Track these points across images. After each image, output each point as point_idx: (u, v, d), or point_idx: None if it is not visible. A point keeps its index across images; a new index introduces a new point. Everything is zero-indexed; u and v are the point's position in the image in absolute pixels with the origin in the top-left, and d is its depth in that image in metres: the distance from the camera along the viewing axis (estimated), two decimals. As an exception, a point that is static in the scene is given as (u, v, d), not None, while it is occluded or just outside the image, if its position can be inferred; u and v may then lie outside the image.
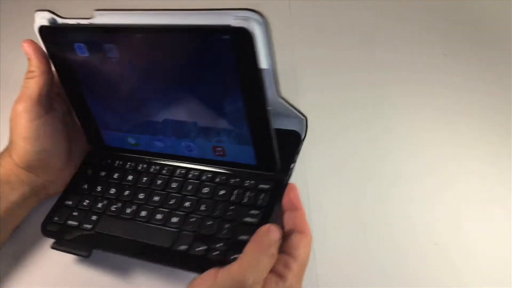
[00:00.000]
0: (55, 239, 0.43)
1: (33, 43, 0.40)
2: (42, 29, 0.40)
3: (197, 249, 0.38)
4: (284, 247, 0.36)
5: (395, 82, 0.54)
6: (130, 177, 0.45)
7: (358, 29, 0.57)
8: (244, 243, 0.36)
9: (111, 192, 0.44)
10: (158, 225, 0.41)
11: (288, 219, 0.38)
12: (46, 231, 0.44)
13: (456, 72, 0.54)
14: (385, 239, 0.45)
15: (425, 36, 0.56)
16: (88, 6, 0.39)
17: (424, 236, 0.45)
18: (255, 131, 0.39)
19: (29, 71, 0.40)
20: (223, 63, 0.36)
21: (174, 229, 0.40)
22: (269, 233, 0.35)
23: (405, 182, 0.48)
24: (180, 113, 0.41)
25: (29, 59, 0.40)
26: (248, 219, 0.39)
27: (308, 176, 0.48)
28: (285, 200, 0.39)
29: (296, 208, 0.38)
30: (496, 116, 0.52)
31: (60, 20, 0.40)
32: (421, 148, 0.50)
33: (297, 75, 0.54)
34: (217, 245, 0.38)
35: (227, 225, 0.39)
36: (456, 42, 0.56)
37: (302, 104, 0.50)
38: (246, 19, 0.34)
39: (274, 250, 0.34)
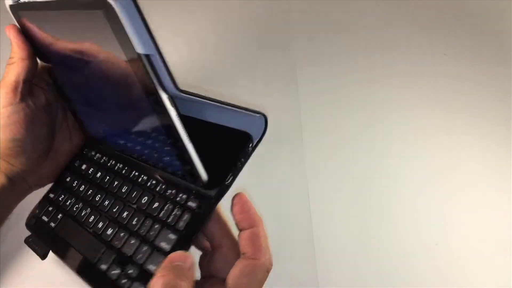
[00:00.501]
0: (31, 232, 0.43)
1: (14, 28, 0.39)
2: (11, 8, 0.38)
3: (112, 272, 0.33)
4: (229, 276, 0.30)
5: (395, 82, 0.54)
6: (98, 174, 0.41)
7: (358, 29, 0.57)
8: (150, 275, 0.30)
9: (81, 189, 0.41)
10: (97, 234, 0.36)
11: (241, 239, 0.32)
12: (26, 224, 0.44)
13: (456, 72, 0.54)
14: (385, 239, 0.46)
15: (425, 36, 0.57)
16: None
17: (424, 236, 0.46)
18: (164, 130, 0.30)
19: (10, 57, 0.39)
20: (101, 43, 0.29)
21: (104, 243, 0.35)
22: (178, 260, 0.29)
23: (405, 182, 0.49)
24: (104, 105, 0.36)
25: (11, 45, 0.39)
26: (163, 244, 0.31)
27: (308, 176, 0.47)
28: (236, 211, 0.32)
29: (251, 225, 0.32)
30: (497, 116, 0.52)
31: None
32: (421, 149, 0.50)
33: (297, 75, 0.53)
34: (129, 271, 0.32)
35: (144, 248, 0.32)
36: (456, 42, 0.57)
37: (302, 104, 0.50)
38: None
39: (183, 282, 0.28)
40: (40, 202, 0.44)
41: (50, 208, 0.42)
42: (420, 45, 0.56)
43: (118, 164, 0.40)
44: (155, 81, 0.27)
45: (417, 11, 0.58)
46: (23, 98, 0.39)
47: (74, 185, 0.42)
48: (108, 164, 0.41)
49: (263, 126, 0.32)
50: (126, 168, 0.39)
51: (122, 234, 0.34)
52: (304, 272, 0.39)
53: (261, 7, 0.56)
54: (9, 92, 0.38)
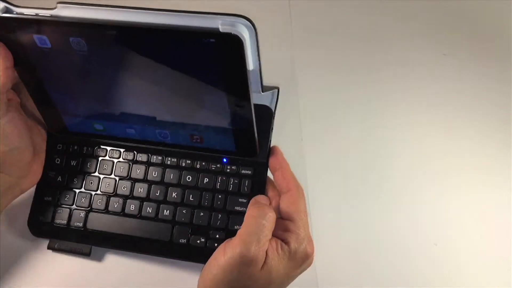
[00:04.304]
0: (47, 238, 0.43)
1: None
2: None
3: (197, 241, 0.40)
4: (280, 212, 0.38)
5: (395, 82, 0.54)
6: (105, 166, 0.44)
7: (357, 29, 0.57)
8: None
9: (91, 184, 0.43)
10: (151, 218, 0.42)
11: (276, 181, 0.40)
12: (36, 232, 0.43)
13: (456, 72, 0.55)
14: (385, 239, 0.47)
15: (425, 36, 0.56)
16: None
17: (424, 236, 0.47)
18: (237, 124, 0.39)
19: None
20: (209, 65, 0.35)
21: (168, 223, 0.41)
22: (260, 199, 0.38)
23: (405, 183, 0.49)
24: (156, 108, 0.40)
25: None
26: (238, 208, 0.41)
27: (308, 177, 0.48)
28: (271, 162, 0.41)
29: (280, 167, 0.40)
30: (497, 117, 0.53)
31: (17, 10, 0.35)
32: (421, 150, 0.51)
33: (296, 74, 0.53)
34: (216, 236, 0.40)
35: (219, 215, 0.41)
36: (456, 42, 0.56)
37: (302, 104, 0.52)
38: (233, 24, 0.33)
39: (270, 213, 0.36)
40: (36, 208, 0.44)
41: (60, 211, 0.43)
42: (420, 45, 0.56)
43: (127, 153, 0.44)
44: (248, 88, 0.36)
45: (416, 11, 0.58)
46: (10, 106, 0.39)
47: (76, 183, 0.43)
48: (112, 155, 0.44)
49: (276, 98, 0.43)
50: (140, 155, 0.43)
51: (183, 211, 0.41)
52: (303, 272, 0.39)
53: (261, 7, 0.54)
54: (1, 104, 0.38)
